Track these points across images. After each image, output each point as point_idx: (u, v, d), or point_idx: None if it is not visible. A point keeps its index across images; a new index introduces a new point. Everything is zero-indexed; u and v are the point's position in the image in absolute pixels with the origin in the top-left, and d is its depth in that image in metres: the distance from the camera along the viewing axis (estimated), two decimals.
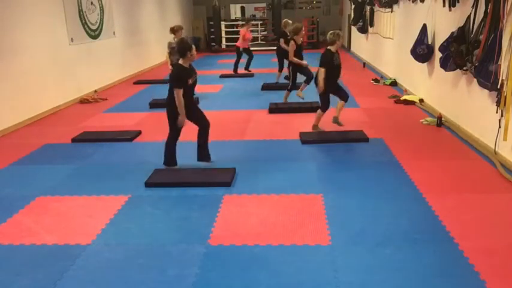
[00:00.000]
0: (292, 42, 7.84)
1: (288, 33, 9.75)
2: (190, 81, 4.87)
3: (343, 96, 6.33)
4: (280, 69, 10.28)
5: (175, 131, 5.09)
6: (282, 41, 9.87)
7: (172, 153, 5.16)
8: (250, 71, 12.20)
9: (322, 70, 6.05)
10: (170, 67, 7.69)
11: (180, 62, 4.86)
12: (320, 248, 3.47)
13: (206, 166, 5.28)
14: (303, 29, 8.13)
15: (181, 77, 4.79)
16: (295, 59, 7.85)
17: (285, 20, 10.14)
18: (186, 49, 4.77)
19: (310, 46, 17.81)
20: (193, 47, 4.84)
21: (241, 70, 12.15)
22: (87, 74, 9.72)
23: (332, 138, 6.13)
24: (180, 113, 4.85)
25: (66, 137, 6.60)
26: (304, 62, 7.93)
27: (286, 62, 10.05)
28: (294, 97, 8.52)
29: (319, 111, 6.42)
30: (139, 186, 4.75)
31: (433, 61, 7.44)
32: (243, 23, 13.82)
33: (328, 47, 6.18)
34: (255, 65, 12.80)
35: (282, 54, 9.96)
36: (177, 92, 4.75)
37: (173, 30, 8.28)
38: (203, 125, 5.18)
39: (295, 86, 8.27)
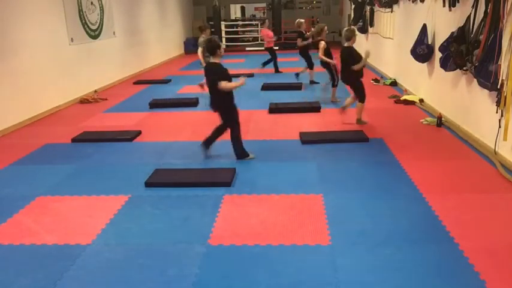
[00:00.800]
0: (323, 42, 8.08)
1: (304, 32, 10.30)
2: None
3: (360, 96, 6.72)
4: (311, 67, 10.37)
5: (237, 123, 5.36)
6: (299, 40, 10.23)
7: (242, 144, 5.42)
8: (280, 71, 12.23)
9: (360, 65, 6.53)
10: (203, 64, 8.06)
11: (212, 60, 5.20)
12: (320, 248, 3.47)
13: (206, 166, 5.29)
14: (325, 28, 8.50)
15: (227, 72, 5.19)
16: (324, 58, 8.05)
17: (298, 20, 10.63)
18: (215, 47, 5.15)
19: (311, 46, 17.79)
20: (221, 44, 5.34)
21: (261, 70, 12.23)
22: (87, 74, 9.72)
23: (332, 138, 6.13)
24: (236, 84, 5.12)
25: (66, 137, 6.60)
26: (332, 61, 8.05)
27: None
28: (295, 97, 8.52)
29: (359, 104, 6.73)
30: (139, 186, 4.75)
31: (433, 61, 7.44)
32: (261, 22, 14.36)
33: (346, 44, 6.59)
34: (254, 65, 12.79)
35: (303, 53, 10.29)
36: (225, 83, 5.05)
37: (201, 29, 8.83)
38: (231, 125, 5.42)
39: (336, 81, 8.32)
